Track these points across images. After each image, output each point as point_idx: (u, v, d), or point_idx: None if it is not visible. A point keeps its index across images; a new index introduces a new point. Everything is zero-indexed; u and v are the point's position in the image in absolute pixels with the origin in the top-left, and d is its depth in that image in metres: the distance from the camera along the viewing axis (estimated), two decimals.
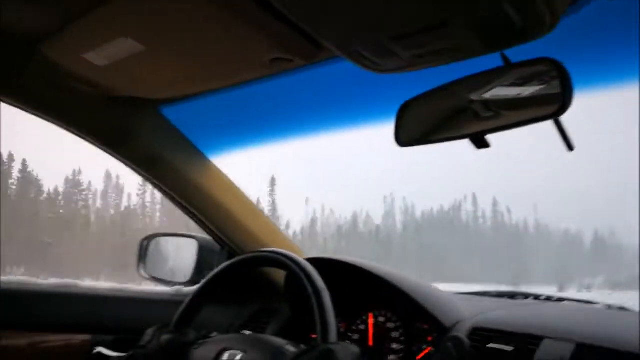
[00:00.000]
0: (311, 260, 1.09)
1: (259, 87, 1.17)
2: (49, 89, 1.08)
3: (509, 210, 17.13)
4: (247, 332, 1.35)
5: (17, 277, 1.24)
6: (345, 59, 0.79)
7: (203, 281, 1.12)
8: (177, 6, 0.77)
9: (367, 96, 1.02)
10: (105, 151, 1.27)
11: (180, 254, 1.76)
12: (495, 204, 17.30)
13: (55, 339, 1.22)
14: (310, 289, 0.88)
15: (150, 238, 1.74)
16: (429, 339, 1.14)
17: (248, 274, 1.31)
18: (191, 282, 1.55)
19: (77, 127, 1.18)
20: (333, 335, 0.83)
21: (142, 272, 1.65)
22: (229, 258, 1.49)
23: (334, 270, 1.15)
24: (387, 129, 1.02)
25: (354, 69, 0.95)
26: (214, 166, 1.38)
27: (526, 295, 1.35)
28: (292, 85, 1.06)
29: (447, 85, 0.82)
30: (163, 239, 1.77)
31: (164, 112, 1.31)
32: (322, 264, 1.10)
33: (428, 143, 0.87)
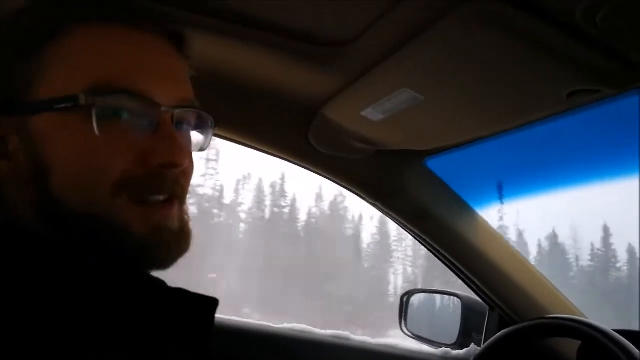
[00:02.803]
0: (619, 333, 0.90)
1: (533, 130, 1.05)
2: (329, 149, 1.15)
3: None
4: None
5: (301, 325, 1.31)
6: None
7: (483, 347, 1.02)
8: (464, 46, 0.72)
9: None
10: (374, 206, 1.29)
11: (442, 313, 1.68)
12: None
13: None
14: None
15: (410, 293, 1.71)
16: None
17: (529, 343, 1.15)
18: (458, 345, 1.44)
19: (351, 183, 1.23)
20: None
21: (405, 329, 1.62)
22: (500, 321, 1.35)
23: None
24: None
25: None
26: (483, 220, 1.28)
27: None
28: (581, 121, 0.90)
29: None
30: (423, 295, 1.73)
31: (428, 164, 1.29)
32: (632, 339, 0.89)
33: None
